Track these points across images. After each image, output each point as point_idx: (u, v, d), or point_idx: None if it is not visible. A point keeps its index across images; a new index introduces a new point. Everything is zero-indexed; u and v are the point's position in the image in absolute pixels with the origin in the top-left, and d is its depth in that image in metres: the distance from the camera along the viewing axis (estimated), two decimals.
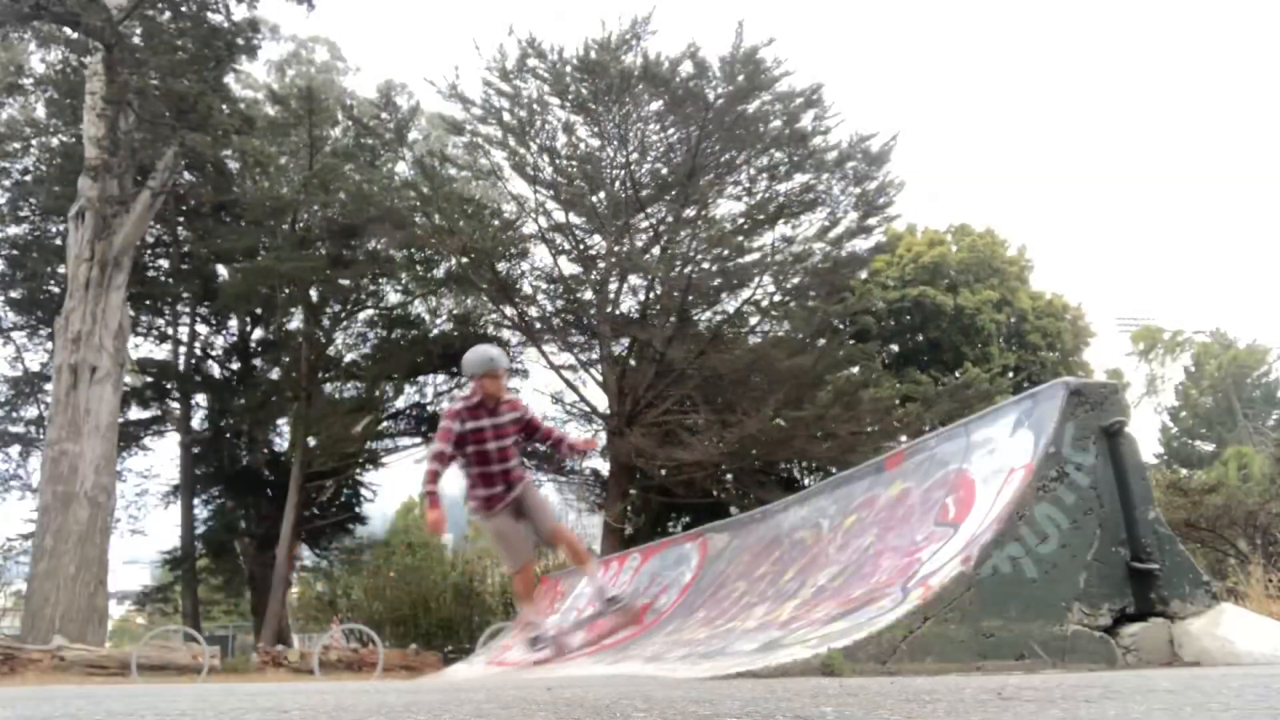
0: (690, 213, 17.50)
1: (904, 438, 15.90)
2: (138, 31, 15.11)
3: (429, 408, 22.52)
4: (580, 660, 5.90)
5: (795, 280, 18.27)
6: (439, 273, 20.33)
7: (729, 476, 18.31)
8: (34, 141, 20.31)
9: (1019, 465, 3.61)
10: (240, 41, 16.10)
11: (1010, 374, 21.77)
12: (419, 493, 41.26)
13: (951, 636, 3.12)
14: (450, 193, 17.71)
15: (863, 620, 3.32)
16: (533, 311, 19.03)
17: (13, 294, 20.62)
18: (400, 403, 22.71)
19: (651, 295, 18.05)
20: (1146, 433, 37.79)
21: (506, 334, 20.52)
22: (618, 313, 18.28)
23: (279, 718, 1.57)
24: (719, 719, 1.49)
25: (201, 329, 23.20)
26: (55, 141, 20.01)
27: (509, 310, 18.97)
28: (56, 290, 19.34)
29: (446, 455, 5.35)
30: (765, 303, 18.87)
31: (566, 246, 18.56)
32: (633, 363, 18.32)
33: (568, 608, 8.31)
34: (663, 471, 17.45)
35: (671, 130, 17.60)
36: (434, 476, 5.23)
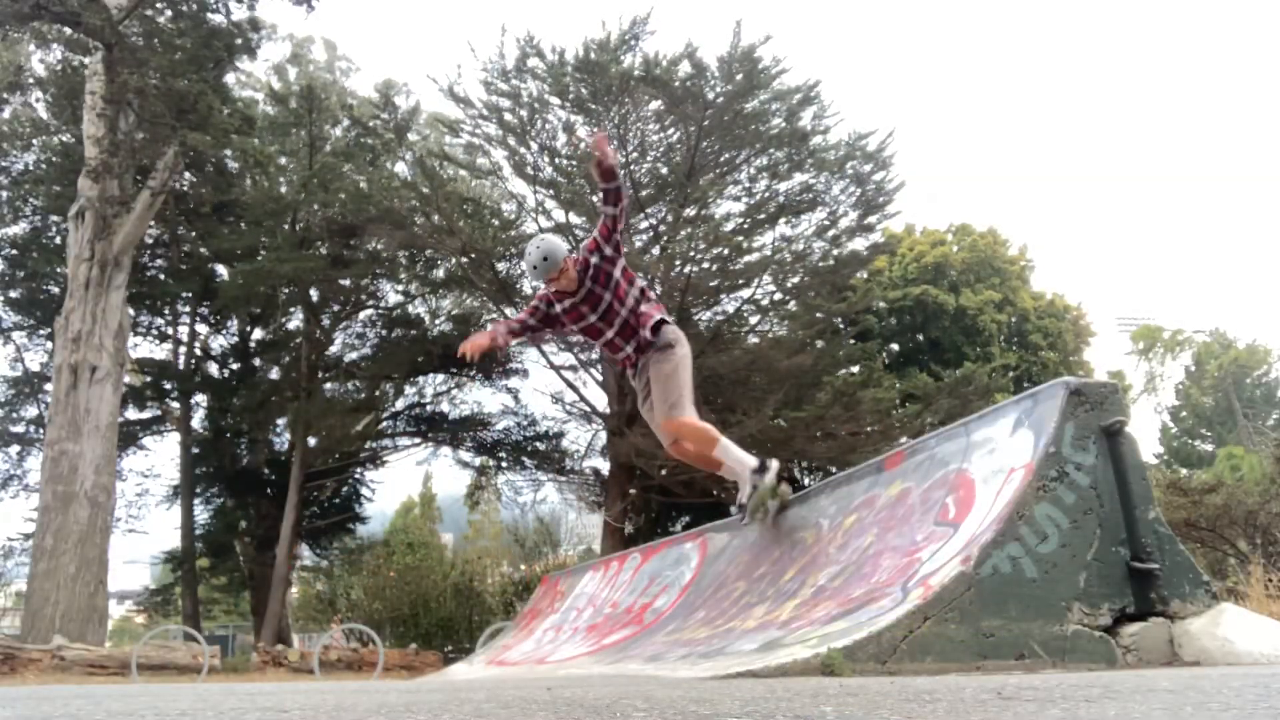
0: (690, 212, 17.51)
1: (904, 438, 15.91)
2: (137, 31, 15.11)
3: (429, 408, 22.56)
4: (580, 660, 5.90)
5: (795, 280, 18.28)
6: (439, 273, 20.35)
7: None
8: (34, 141, 20.32)
9: (1019, 465, 3.61)
10: (240, 41, 16.10)
11: (1011, 373, 21.79)
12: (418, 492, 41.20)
13: (951, 636, 3.12)
14: (450, 193, 17.72)
15: (863, 620, 3.33)
16: None
17: (13, 294, 20.63)
18: (400, 403, 22.76)
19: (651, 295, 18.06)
20: (1147, 432, 37.85)
21: None
22: None
23: (279, 717, 1.57)
24: (719, 718, 1.49)
25: (201, 329, 23.24)
26: (55, 141, 20.02)
27: (509, 310, 18.97)
28: (56, 290, 19.36)
29: (525, 322, 4.99)
30: (765, 302, 18.88)
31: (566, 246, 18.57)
32: None
33: (567, 608, 8.31)
34: (663, 471, 17.45)
35: (671, 130, 17.61)
36: (507, 324, 4.92)
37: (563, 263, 4.83)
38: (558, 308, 4.93)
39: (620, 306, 4.96)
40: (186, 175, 19.57)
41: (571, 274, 4.85)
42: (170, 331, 22.75)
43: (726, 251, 17.49)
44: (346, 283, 19.98)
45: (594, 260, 4.87)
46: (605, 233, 4.84)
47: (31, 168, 20.50)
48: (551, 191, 18.17)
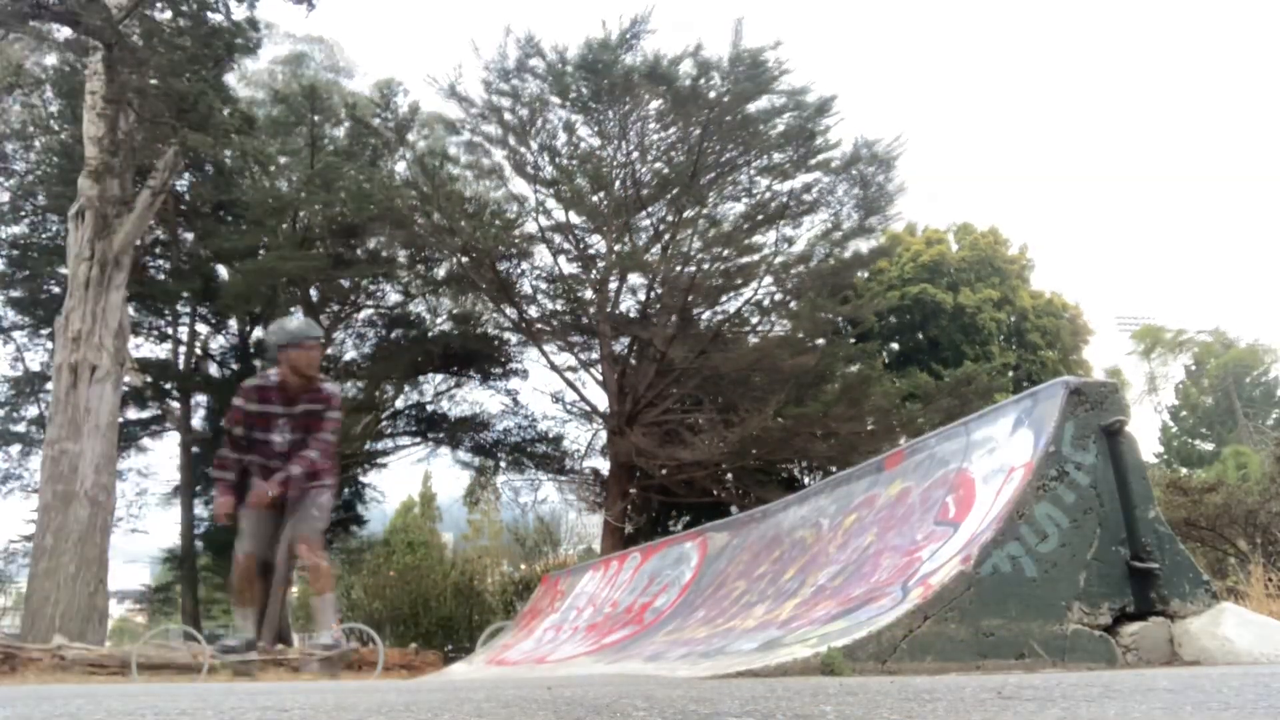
0: (691, 212, 17.52)
1: (904, 437, 15.92)
2: (137, 31, 15.10)
3: (429, 408, 22.55)
4: (580, 660, 5.90)
5: (796, 280, 18.29)
6: (439, 272, 20.34)
7: (729, 476, 18.32)
8: (34, 141, 20.32)
9: (1019, 464, 3.61)
10: (240, 41, 16.09)
11: (1011, 372, 21.80)
12: (417, 492, 41.20)
13: (951, 635, 3.12)
14: (451, 192, 17.72)
15: (863, 619, 3.33)
16: (533, 311, 19.04)
17: (13, 293, 20.63)
18: (400, 403, 22.75)
19: (652, 295, 18.07)
20: (1147, 432, 37.85)
21: (507, 334, 20.55)
22: (618, 312, 18.29)
23: (279, 716, 1.57)
24: (719, 717, 1.49)
25: (201, 329, 23.23)
26: (55, 141, 20.02)
27: (509, 310, 18.98)
28: (57, 290, 19.35)
29: (228, 457, 5.01)
30: (767, 302, 18.89)
31: (567, 246, 18.58)
32: (633, 362, 18.34)
33: (567, 607, 8.31)
34: (663, 471, 17.46)
35: (673, 130, 17.61)
36: (225, 478, 4.96)
37: (310, 348, 4.92)
38: (256, 407, 4.89)
39: (305, 433, 4.96)
40: (186, 175, 19.55)
41: (316, 367, 4.88)
42: (170, 331, 22.75)
43: (728, 251, 17.49)
44: (346, 283, 19.97)
45: (320, 408, 5.01)
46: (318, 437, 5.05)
47: (32, 167, 20.50)
48: (552, 191, 18.17)
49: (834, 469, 15.27)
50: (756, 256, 17.84)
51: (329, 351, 21.33)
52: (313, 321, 4.80)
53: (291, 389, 4.74)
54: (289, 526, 4.99)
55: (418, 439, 22.41)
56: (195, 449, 21.98)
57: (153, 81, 14.52)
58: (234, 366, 23.28)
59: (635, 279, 18.07)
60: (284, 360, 4.74)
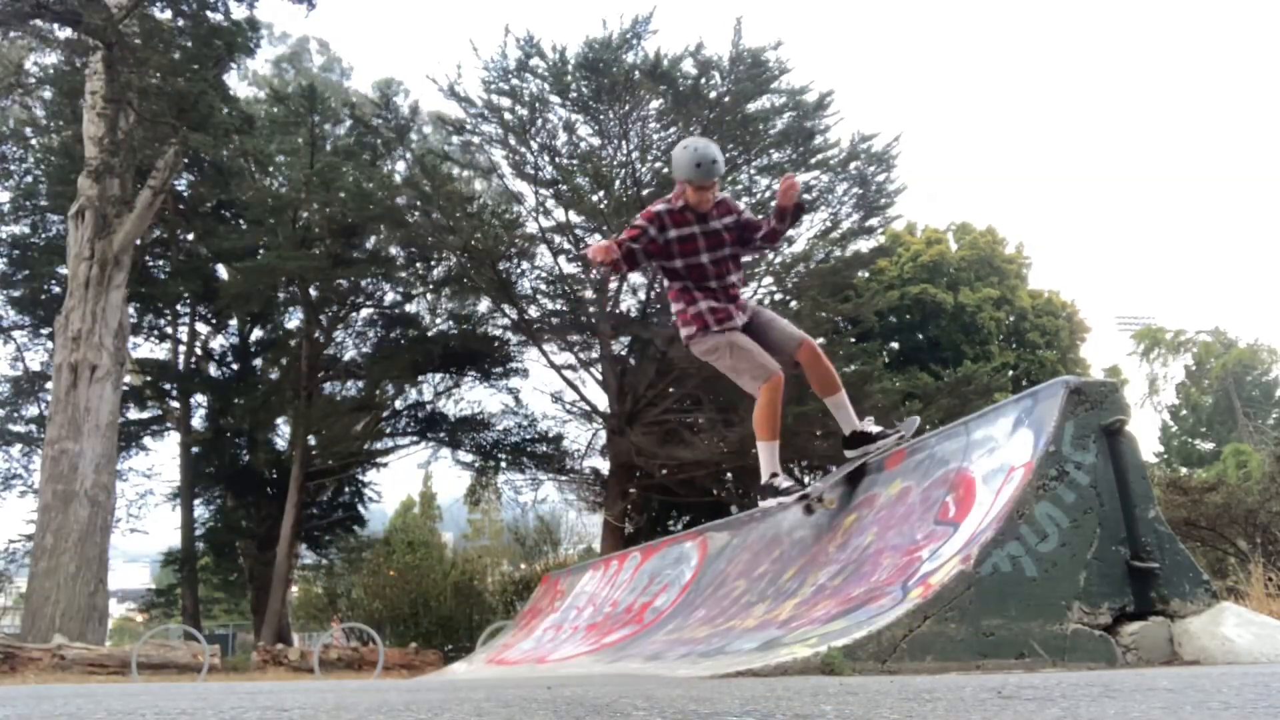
0: None
1: None
2: (137, 30, 15.10)
3: (429, 408, 22.55)
4: (580, 659, 5.90)
5: (797, 280, 18.29)
6: (439, 272, 20.34)
7: (729, 475, 18.32)
8: (34, 141, 20.32)
9: (1019, 464, 3.61)
10: (240, 40, 16.09)
11: (1010, 371, 21.81)
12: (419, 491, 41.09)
13: (951, 635, 3.12)
14: (450, 191, 17.72)
15: (863, 619, 3.33)
16: (533, 311, 19.03)
17: (13, 293, 20.64)
18: (400, 403, 22.74)
19: (652, 294, 18.07)
20: (1147, 432, 37.86)
21: (507, 334, 20.55)
22: (618, 312, 18.29)
23: (279, 716, 1.57)
24: (719, 717, 1.49)
25: (201, 329, 23.24)
26: (55, 141, 20.02)
27: (509, 310, 18.98)
28: (57, 289, 19.35)
29: (626, 245, 4.34)
30: (767, 302, 18.89)
31: (567, 245, 18.58)
32: (633, 362, 18.34)
33: (567, 606, 8.31)
34: (663, 470, 17.46)
35: (673, 129, 17.61)
36: (622, 241, 4.30)
37: (716, 180, 4.39)
38: (672, 233, 4.41)
39: (732, 271, 4.58)
40: (186, 175, 19.55)
41: (712, 196, 4.42)
42: (170, 331, 22.76)
43: None
44: (343, 283, 19.97)
45: (741, 218, 4.55)
46: (760, 229, 4.58)
47: (31, 167, 20.51)
48: (551, 191, 18.17)
49: (834, 467, 15.26)
50: (756, 256, 17.84)
51: (328, 352, 21.36)
52: (716, 153, 4.36)
53: (698, 210, 4.38)
54: (775, 338, 4.59)
55: (418, 439, 22.40)
56: (195, 449, 21.99)
57: (153, 81, 14.52)
58: (234, 366, 23.30)
59: (635, 279, 18.10)
60: (682, 189, 4.38)
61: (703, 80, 17.06)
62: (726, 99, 16.87)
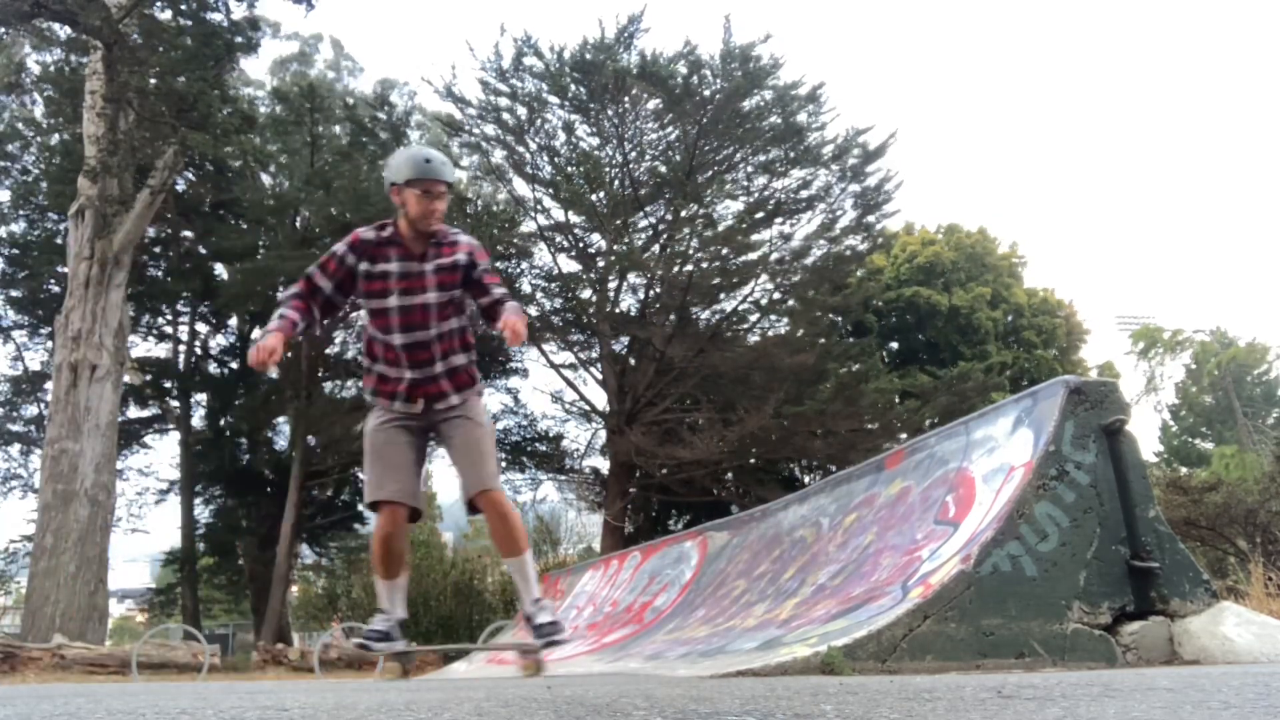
0: (688, 211, 17.54)
1: (904, 435, 15.93)
2: (137, 30, 15.09)
3: None
4: (580, 659, 5.90)
5: (795, 278, 18.29)
6: None
7: (729, 475, 18.32)
8: (34, 140, 20.31)
9: (1019, 463, 3.61)
10: (240, 40, 16.08)
11: (1007, 371, 21.82)
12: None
13: (951, 635, 3.12)
14: None
15: (863, 619, 3.33)
16: (532, 310, 19.03)
17: (13, 292, 20.64)
18: None
19: (651, 293, 18.07)
20: (1147, 431, 37.87)
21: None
22: (617, 311, 18.29)
23: (279, 716, 1.57)
24: (719, 717, 1.49)
25: (201, 328, 23.24)
26: (56, 140, 20.02)
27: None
28: (57, 289, 19.35)
29: (311, 282, 3.63)
30: (765, 301, 18.90)
31: (566, 245, 18.59)
32: (632, 361, 18.34)
33: (567, 606, 8.30)
34: (663, 470, 17.45)
35: (669, 129, 17.63)
36: (285, 321, 3.50)
37: (445, 184, 3.56)
38: (368, 266, 3.59)
39: (440, 320, 3.59)
40: (186, 174, 19.54)
41: (439, 213, 3.55)
42: (170, 330, 22.77)
43: (726, 250, 17.50)
44: None
45: (458, 260, 3.61)
46: (482, 285, 3.64)
47: (31, 166, 20.50)
48: (550, 190, 18.17)
49: (834, 468, 15.29)
50: (754, 255, 17.85)
51: (327, 351, 21.34)
52: (442, 157, 3.61)
53: (411, 236, 3.55)
54: (458, 467, 3.66)
55: None
56: (196, 448, 22.00)
57: (152, 80, 14.52)
58: (233, 365, 23.30)
59: (634, 278, 18.09)
60: (398, 199, 3.56)
61: (694, 79, 17.08)
62: (719, 97, 16.89)
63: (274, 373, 3.58)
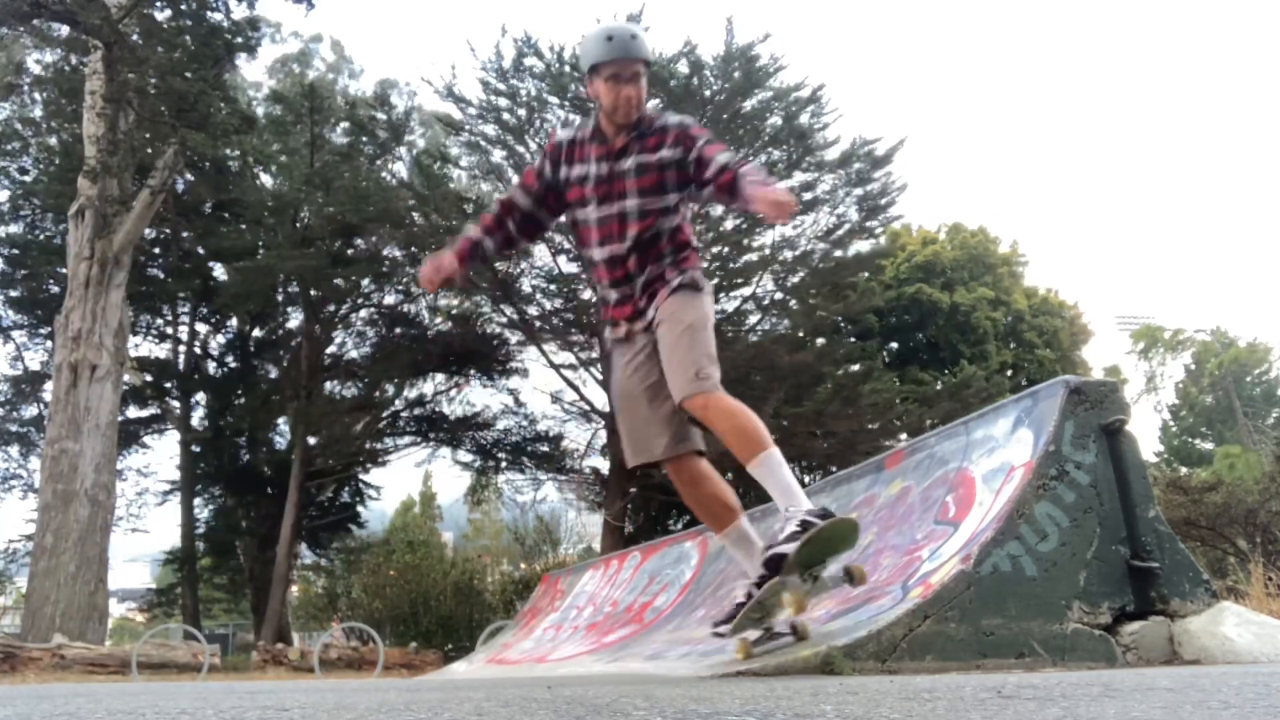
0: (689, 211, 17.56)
1: (904, 435, 15.93)
2: (137, 30, 15.10)
3: (429, 407, 22.55)
4: (580, 659, 5.90)
5: (796, 279, 18.30)
6: None
7: (729, 475, 18.31)
8: (33, 141, 20.31)
9: (1019, 463, 3.61)
10: (240, 40, 16.09)
11: (1008, 372, 21.80)
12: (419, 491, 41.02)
13: (951, 635, 3.12)
14: (449, 192, 17.74)
15: (863, 619, 3.33)
16: (532, 311, 19.04)
17: (12, 293, 20.64)
18: (400, 403, 22.75)
19: None
20: (1147, 431, 37.88)
21: (507, 333, 20.55)
22: None
23: (279, 716, 1.57)
24: (719, 717, 1.49)
25: (201, 328, 23.25)
26: (55, 140, 20.02)
27: (509, 309, 18.98)
28: (56, 289, 19.36)
29: (508, 201, 3.26)
30: (766, 301, 18.90)
31: (566, 245, 18.59)
32: None
33: (567, 606, 8.31)
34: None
35: None
36: (472, 237, 3.22)
37: (642, 71, 3.00)
38: (571, 171, 3.11)
39: (641, 228, 3.05)
40: (186, 174, 19.54)
41: (637, 99, 2.99)
42: (170, 330, 22.77)
43: (726, 250, 17.50)
44: (341, 283, 19.96)
45: (666, 154, 3.03)
46: (705, 166, 3.00)
47: (31, 167, 20.51)
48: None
49: (834, 468, 15.29)
50: (755, 256, 17.85)
51: (328, 351, 21.35)
52: (635, 32, 2.98)
53: (611, 130, 3.05)
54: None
55: (418, 439, 22.41)
56: (195, 448, 22.00)
57: (152, 81, 14.52)
58: (233, 365, 23.31)
59: None
60: (591, 90, 3.04)
61: (694, 79, 17.08)
62: (720, 97, 16.89)
63: (449, 293, 2.74)
